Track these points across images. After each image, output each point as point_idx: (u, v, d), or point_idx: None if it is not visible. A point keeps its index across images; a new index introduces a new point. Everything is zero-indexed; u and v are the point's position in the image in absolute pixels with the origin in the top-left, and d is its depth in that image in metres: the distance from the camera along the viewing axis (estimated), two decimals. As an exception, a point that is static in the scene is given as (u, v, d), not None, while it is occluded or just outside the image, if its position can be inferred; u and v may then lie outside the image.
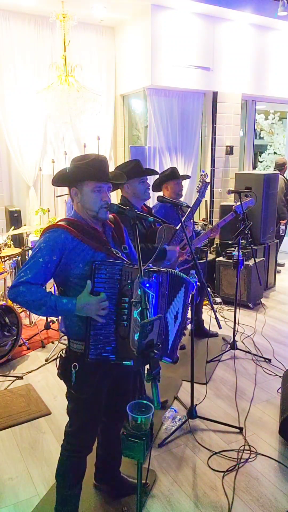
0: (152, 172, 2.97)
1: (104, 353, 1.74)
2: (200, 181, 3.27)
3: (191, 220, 3.18)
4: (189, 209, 2.99)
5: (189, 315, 2.04)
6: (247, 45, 6.08)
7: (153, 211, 3.51)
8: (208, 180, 3.27)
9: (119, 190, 2.99)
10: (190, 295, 1.95)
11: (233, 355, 3.89)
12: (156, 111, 5.68)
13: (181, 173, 3.67)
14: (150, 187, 2.97)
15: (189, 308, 2.14)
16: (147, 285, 1.57)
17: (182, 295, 1.91)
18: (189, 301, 1.95)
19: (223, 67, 5.90)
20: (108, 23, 5.84)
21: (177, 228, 3.01)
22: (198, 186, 3.28)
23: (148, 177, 2.87)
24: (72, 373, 1.82)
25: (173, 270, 1.84)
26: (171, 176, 3.55)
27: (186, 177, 3.82)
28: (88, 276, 1.72)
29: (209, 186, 6.20)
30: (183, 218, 2.97)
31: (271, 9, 5.61)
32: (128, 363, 1.72)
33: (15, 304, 4.24)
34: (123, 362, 1.74)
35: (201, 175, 3.29)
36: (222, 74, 5.91)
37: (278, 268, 6.30)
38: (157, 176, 3.47)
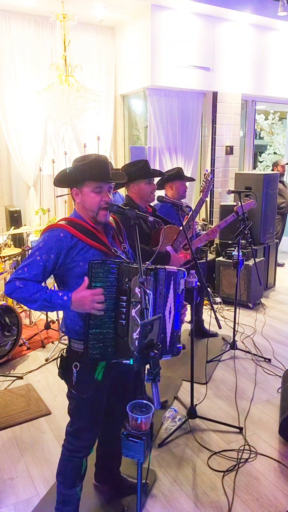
0: (160, 173, 2.95)
1: (103, 352, 1.74)
2: (203, 180, 3.26)
3: (194, 220, 3.17)
4: (190, 209, 2.99)
5: (189, 316, 2.03)
6: (247, 45, 6.08)
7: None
8: (211, 178, 3.26)
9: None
10: (181, 283, 1.91)
11: (233, 355, 3.89)
12: (156, 111, 5.68)
13: None
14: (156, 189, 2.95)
15: (189, 306, 2.13)
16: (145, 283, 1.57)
17: (173, 288, 1.89)
18: (182, 288, 1.92)
19: (223, 67, 5.90)
20: (108, 23, 5.85)
21: (180, 228, 3.01)
22: (201, 186, 3.27)
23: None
24: (73, 372, 1.82)
25: (167, 267, 1.83)
26: (177, 176, 3.54)
27: (191, 179, 3.81)
28: (87, 275, 1.72)
29: (211, 185, 6.20)
30: (185, 221, 2.96)
31: (271, 9, 5.61)
32: (128, 361, 1.72)
33: (16, 303, 4.25)
34: (123, 361, 1.74)
35: (205, 174, 3.28)
36: (222, 74, 5.92)
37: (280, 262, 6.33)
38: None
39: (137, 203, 2.78)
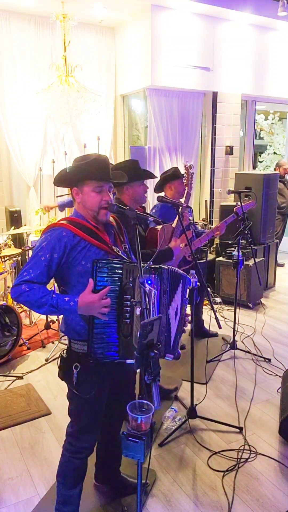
0: (151, 175, 2.95)
1: (107, 352, 1.74)
2: (185, 172, 3.23)
3: (190, 212, 3.16)
4: (190, 209, 3.00)
5: (188, 311, 2.04)
6: (247, 45, 6.08)
7: (153, 211, 3.52)
8: (192, 170, 3.23)
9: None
10: (188, 290, 1.94)
11: (233, 355, 3.89)
12: (156, 111, 5.68)
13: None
14: (148, 190, 2.95)
15: (189, 306, 2.15)
16: (149, 282, 1.57)
17: (181, 290, 1.91)
18: (187, 297, 1.95)
19: (223, 67, 5.90)
20: (108, 23, 5.85)
21: (173, 225, 3.00)
22: (185, 179, 3.24)
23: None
24: (73, 373, 1.82)
25: (172, 267, 1.84)
26: (175, 176, 3.55)
27: None
28: (90, 274, 1.72)
29: (209, 186, 6.22)
30: (181, 218, 2.96)
31: (271, 9, 5.61)
32: (132, 361, 1.72)
33: (15, 303, 4.25)
34: (127, 361, 1.73)
35: (185, 166, 3.24)
36: (222, 74, 5.92)
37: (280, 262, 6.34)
38: (157, 178, 3.46)
39: (129, 205, 2.74)
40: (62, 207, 4.53)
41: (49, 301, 1.70)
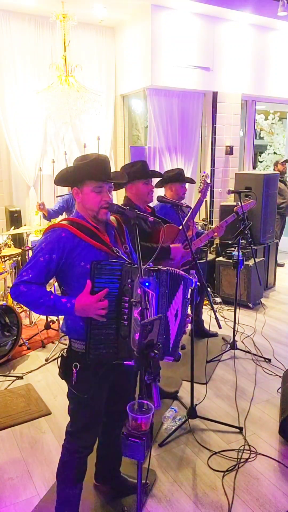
0: (158, 174, 2.95)
1: (105, 352, 1.74)
2: (201, 182, 3.27)
3: (193, 220, 3.18)
4: (190, 209, 3.00)
5: (189, 312, 2.04)
6: (247, 45, 6.08)
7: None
8: (209, 180, 3.27)
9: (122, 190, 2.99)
10: (189, 291, 1.94)
11: (233, 355, 3.89)
12: (156, 111, 5.68)
13: None
14: (154, 190, 2.95)
15: (189, 306, 2.14)
16: (147, 284, 1.56)
17: (181, 292, 1.91)
18: (188, 297, 1.94)
19: (223, 67, 5.90)
20: (108, 23, 5.85)
21: (180, 227, 3.01)
22: (200, 187, 3.28)
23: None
24: (73, 372, 1.83)
25: (172, 269, 1.84)
26: (177, 178, 3.54)
27: (191, 181, 3.81)
28: (89, 275, 1.72)
29: (209, 186, 6.21)
30: (185, 220, 2.96)
31: (271, 9, 5.61)
32: (130, 362, 1.72)
33: (16, 303, 4.25)
34: (125, 362, 1.73)
35: (202, 175, 3.29)
36: (222, 74, 5.92)
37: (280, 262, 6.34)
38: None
39: (136, 203, 2.77)
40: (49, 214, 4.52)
41: (46, 302, 1.71)
